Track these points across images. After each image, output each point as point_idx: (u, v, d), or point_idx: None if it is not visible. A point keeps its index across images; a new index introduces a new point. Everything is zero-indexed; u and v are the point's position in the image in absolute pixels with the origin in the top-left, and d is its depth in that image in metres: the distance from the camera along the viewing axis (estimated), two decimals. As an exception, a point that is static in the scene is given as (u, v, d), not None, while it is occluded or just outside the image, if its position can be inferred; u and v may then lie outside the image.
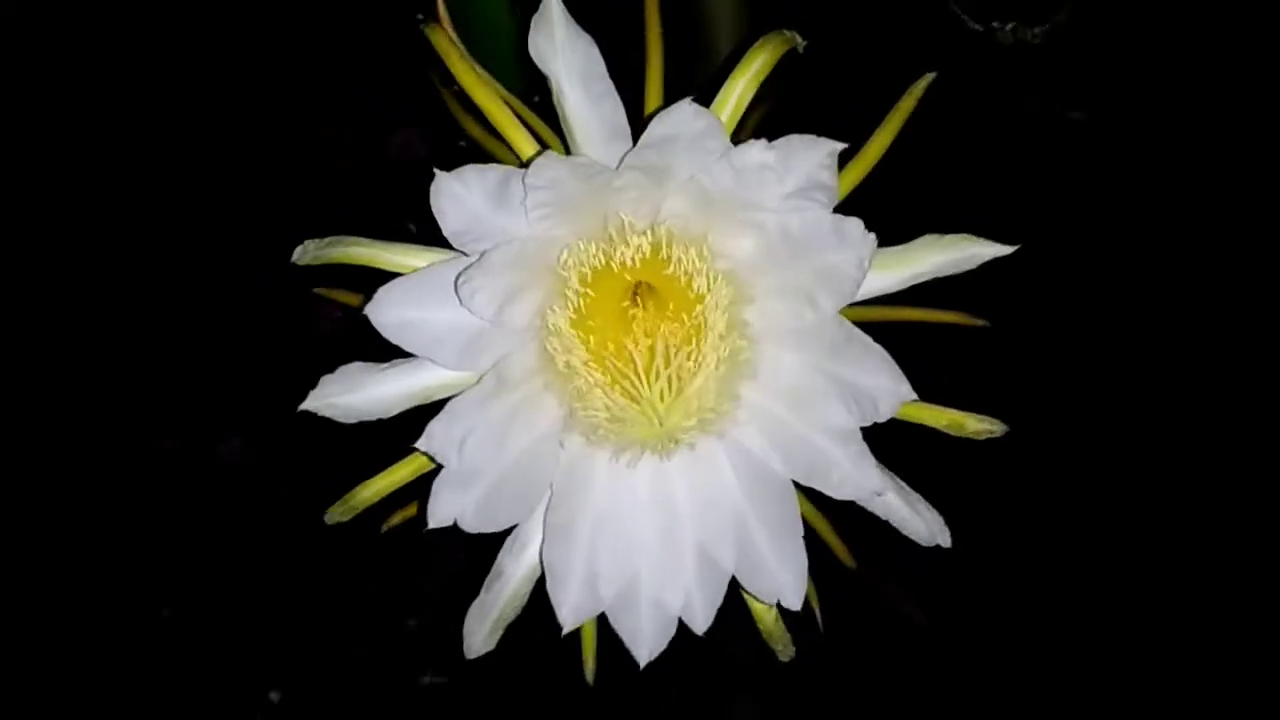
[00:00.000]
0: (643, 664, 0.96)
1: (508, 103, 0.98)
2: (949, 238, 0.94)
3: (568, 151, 0.95)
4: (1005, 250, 0.93)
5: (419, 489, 0.95)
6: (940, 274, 0.95)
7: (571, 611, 0.96)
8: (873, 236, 0.88)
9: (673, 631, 0.97)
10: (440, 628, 0.95)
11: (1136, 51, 1.44)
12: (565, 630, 0.95)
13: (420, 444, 0.92)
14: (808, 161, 0.88)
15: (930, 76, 0.96)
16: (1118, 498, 1.25)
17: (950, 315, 1.09)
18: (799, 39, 0.92)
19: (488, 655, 0.97)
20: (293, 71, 1.34)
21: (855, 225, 0.88)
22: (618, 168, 0.91)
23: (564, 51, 0.90)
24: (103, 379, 1.28)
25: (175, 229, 1.35)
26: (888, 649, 1.22)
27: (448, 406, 0.93)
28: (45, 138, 1.32)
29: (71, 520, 1.27)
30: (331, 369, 0.94)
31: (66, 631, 1.21)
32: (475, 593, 0.99)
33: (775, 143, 0.87)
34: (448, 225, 0.89)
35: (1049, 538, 1.24)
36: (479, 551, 0.98)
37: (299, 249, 0.94)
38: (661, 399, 0.95)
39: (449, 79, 0.98)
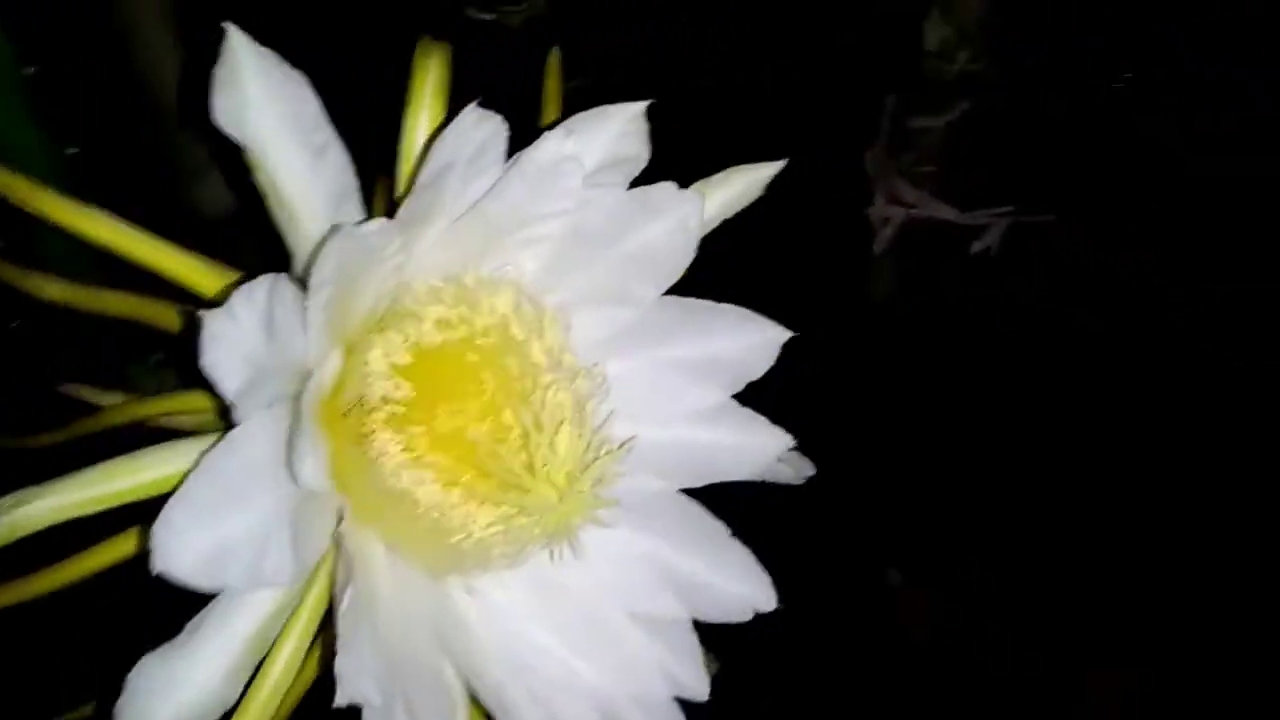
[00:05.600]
0: None
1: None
2: (715, 177, 0.85)
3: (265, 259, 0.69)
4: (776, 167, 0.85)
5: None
6: (727, 215, 0.86)
7: None
8: (690, 195, 0.77)
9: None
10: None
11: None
12: None
13: (350, 700, 0.62)
14: (601, 138, 0.74)
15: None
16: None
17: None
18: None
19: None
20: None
21: (662, 192, 0.77)
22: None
23: (262, 101, 0.64)
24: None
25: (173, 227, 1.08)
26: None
27: (340, 636, 0.64)
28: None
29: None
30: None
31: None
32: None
33: (567, 124, 0.72)
34: (230, 385, 0.60)
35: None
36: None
37: None
38: (552, 472, 0.74)
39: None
